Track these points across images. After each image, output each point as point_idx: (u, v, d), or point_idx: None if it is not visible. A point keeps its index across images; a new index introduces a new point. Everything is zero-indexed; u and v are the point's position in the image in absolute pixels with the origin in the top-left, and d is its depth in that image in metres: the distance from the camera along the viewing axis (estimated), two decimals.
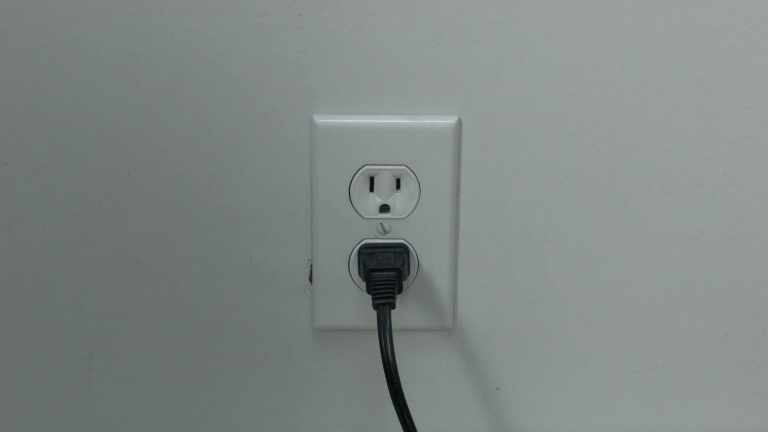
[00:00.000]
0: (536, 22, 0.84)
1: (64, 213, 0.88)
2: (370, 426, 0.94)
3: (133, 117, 0.86)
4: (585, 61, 0.85)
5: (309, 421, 0.94)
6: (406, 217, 0.88)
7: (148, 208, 0.88)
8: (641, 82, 0.86)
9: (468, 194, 0.88)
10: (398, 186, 0.88)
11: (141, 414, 0.93)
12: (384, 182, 0.87)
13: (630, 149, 0.87)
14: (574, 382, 0.93)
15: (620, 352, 0.92)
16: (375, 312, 0.85)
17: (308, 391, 0.93)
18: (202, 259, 0.89)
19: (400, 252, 0.88)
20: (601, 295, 0.91)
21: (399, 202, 0.88)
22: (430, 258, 0.89)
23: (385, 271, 0.87)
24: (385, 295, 0.86)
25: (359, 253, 0.88)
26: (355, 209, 0.88)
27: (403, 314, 0.90)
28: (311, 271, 0.90)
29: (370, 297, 0.86)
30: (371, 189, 0.88)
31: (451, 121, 0.86)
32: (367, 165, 0.87)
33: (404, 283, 0.89)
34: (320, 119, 0.86)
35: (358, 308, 0.90)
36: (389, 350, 0.84)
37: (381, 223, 0.88)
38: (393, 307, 0.86)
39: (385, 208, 0.88)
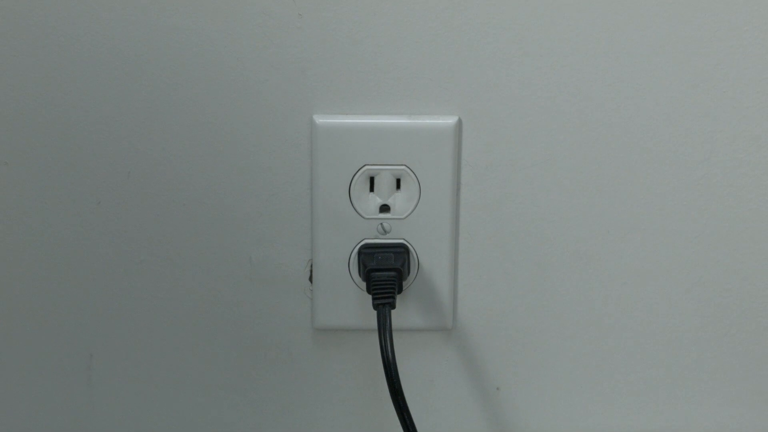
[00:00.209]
0: (536, 22, 0.84)
1: (64, 213, 0.88)
2: (370, 426, 0.94)
3: (133, 117, 0.86)
4: (585, 61, 0.85)
5: (309, 421, 0.94)
6: (406, 217, 0.88)
7: (148, 208, 0.88)
8: (641, 82, 0.86)
9: (468, 194, 0.88)
10: (398, 186, 0.88)
11: (141, 414, 0.93)
12: (384, 182, 0.87)
13: (630, 149, 0.87)
14: (574, 382, 0.93)
15: (620, 352, 0.92)
16: (375, 312, 0.85)
17: (308, 391, 0.93)
18: (202, 259, 0.89)
19: (400, 252, 0.88)
20: (601, 295, 0.91)
21: (399, 202, 0.88)
22: (430, 258, 0.89)
23: (385, 271, 0.87)
24: (385, 295, 0.86)
25: (359, 253, 0.88)
26: (355, 209, 0.88)
27: (403, 314, 0.90)
28: (311, 271, 0.90)
29: (370, 297, 0.86)
30: (371, 189, 0.88)
31: (451, 121, 0.86)
32: (367, 165, 0.87)
33: (404, 283, 0.89)
34: (320, 119, 0.86)
35: (358, 308, 0.90)
36: (389, 350, 0.84)
37: (381, 223, 0.88)
38: (393, 307, 0.86)
39: (385, 208, 0.88)
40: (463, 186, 0.88)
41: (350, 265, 0.89)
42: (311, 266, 0.90)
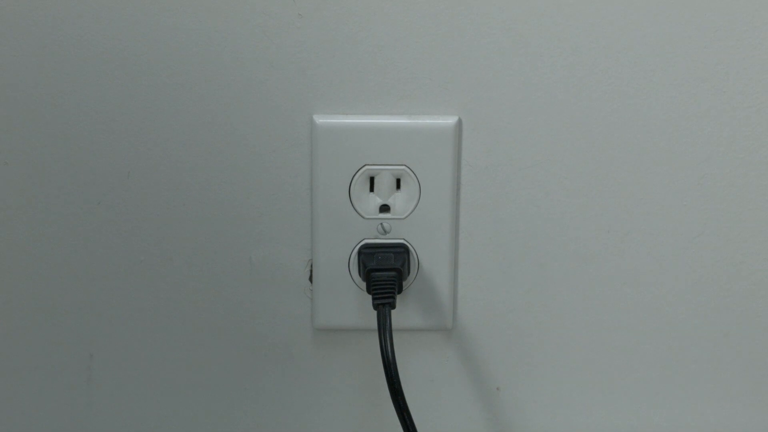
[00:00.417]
0: (536, 21, 0.84)
1: (64, 213, 0.88)
2: (370, 426, 0.94)
3: (133, 117, 0.86)
4: (585, 61, 0.85)
5: (309, 421, 0.94)
6: (406, 217, 0.88)
7: (148, 208, 0.88)
8: (641, 82, 0.86)
9: (468, 194, 0.88)
10: (398, 186, 0.88)
11: (141, 414, 0.93)
12: (384, 182, 0.87)
13: (630, 149, 0.87)
14: (574, 382, 0.93)
15: (620, 352, 0.92)
16: (375, 312, 0.85)
17: (308, 391, 0.93)
18: (202, 259, 0.89)
19: (400, 252, 0.88)
20: (601, 295, 0.91)
21: (399, 202, 0.88)
22: (430, 258, 0.89)
23: (385, 271, 0.87)
24: (385, 295, 0.86)
25: (359, 253, 0.88)
26: (355, 209, 0.88)
27: (403, 314, 0.90)
28: (311, 271, 0.90)
29: (370, 297, 0.86)
30: (371, 189, 0.88)
31: (451, 121, 0.86)
32: (367, 165, 0.87)
33: (404, 283, 0.89)
34: (320, 119, 0.86)
35: (358, 308, 0.90)
36: (389, 350, 0.84)
37: (381, 223, 0.88)
38: (393, 307, 0.86)
39: (385, 208, 0.88)
40: (463, 186, 0.88)
41: (350, 265, 0.89)
42: (311, 266, 0.90)
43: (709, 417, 0.94)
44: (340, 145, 0.86)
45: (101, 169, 0.87)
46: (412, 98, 0.86)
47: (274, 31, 0.84)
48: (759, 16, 0.84)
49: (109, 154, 0.87)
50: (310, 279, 0.90)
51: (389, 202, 0.88)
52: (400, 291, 0.87)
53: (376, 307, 0.86)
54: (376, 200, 0.88)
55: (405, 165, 0.87)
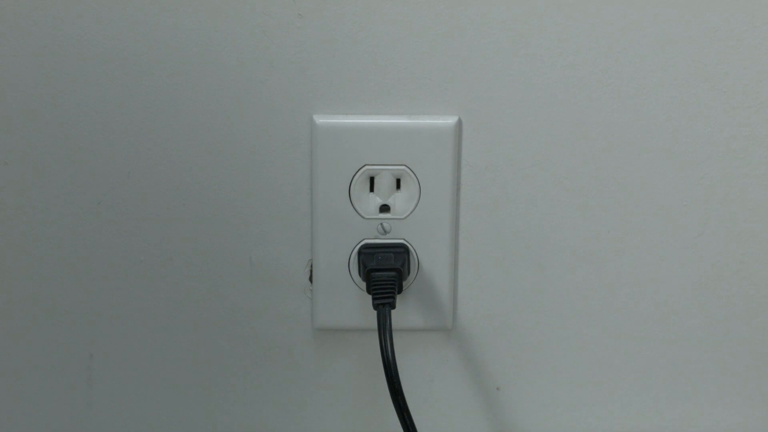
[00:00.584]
0: (536, 21, 0.84)
1: (64, 213, 0.88)
2: (370, 426, 0.94)
3: (133, 117, 0.86)
4: (585, 61, 0.85)
5: (309, 421, 0.94)
6: (406, 217, 0.88)
7: (148, 208, 0.88)
8: (641, 82, 0.86)
9: (468, 194, 0.88)
10: (398, 186, 0.88)
11: (141, 414, 0.93)
12: (384, 182, 0.87)
13: (630, 149, 0.87)
14: (574, 382, 0.93)
15: (620, 352, 0.92)
16: (375, 312, 0.85)
17: (308, 391, 0.93)
18: (202, 259, 0.89)
19: (400, 252, 0.88)
20: (601, 295, 0.91)
21: (399, 202, 0.88)
22: (430, 258, 0.89)
23: (385, 271, 0.87)
24: (385, 295, 0.86)
25: (359, 253, 0.88)
26: (355, 209, 0.88)
27: (403, 314, 0.90)
28: (311, 271, 0.90)
29: (370, 297, 0.86)
30: (371, 189, 0.88)
31: (451, 121, 0.86)
32: (367, 165, 0.87)
33: (404, 283, 0.89)
34: (320, 119, 0.86)
35: (358, 308, 0.90)
36: (389, 350, 0.84)
37: (381, 223, 0.88)
38: (393, 307, 0.86)
39: (385, 208, 0.88)
40: (463, 186, 0.88)
41: (350, 265, 0.89)
42: (311, 266, 0.90)
43: (709, 417, 0.94)
44: (340, 145, 0.86)
45: (101, 169, 0.87)
46: (412, 98, 0.86)
47: (274, 31, 0.84)
48: (759, 16, 0.84)
49: (109, 154, 0.87)
50: (310, 279, 0.90)
51: (389, 202, 0.88)
52: (400, 291, 0.87)
53: (376, 307, 0.86)
54: (376, 200, 0.88)
55: (405, 165, 0.87)
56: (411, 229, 0.88)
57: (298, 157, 0.87)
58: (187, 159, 0.87)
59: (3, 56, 0.85)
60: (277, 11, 0.84)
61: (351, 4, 0.84)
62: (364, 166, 0.87)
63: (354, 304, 0.90)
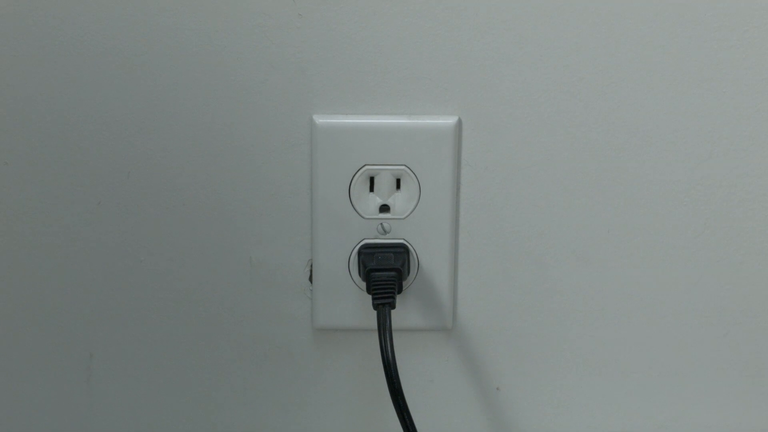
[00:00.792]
0: (536, 22, 0.84)
1: (64, 213, 0.88)
2: (370, 426, 0.94)
3: (133, 117, 0.86)
4: (585, 61, 0.85)
5: (309, 421, 0.94)
6: (406, 217, 0.88)
7: (148, 208, 0.88)
8: (641, 81, 0.86)
9: (468, 194, 0.88)
10: (398, 186, 0.88)
11: (141, 414, 0.93)
12: (384, 182, 0.87)
13: (630, 149, 0.87)
14: (574, 382, 0.93)
15: (620, 352, 0.92)
16: (375, 312, 0.85)
17: (308, 391, 0.93)
18: (202, 259, 0.89)
19: (400, 252, 0.88)
20: (601, 295, 0.91)
21: (399, 202, 0.88)
22: (430, 258, 0.89)
23: (385, 271, 0.87)
24: (385, 295, 0.86)
25: (359, 253, 0.88)
26: (355, 209, 0.88)
27: (403, 314, 0.90)
28: (311, 271, 0.90)
29: (370, 297, 0.86)
30: (371, 189, 0.88)
31: (451, 121, 0.86)
32: (367, 165, 0.87)
33: (404, 283, 0.89)
34: (320, 119, 0.86)
35: (358, 308, 0.90)
36: (389, 350, 0.84)
37: (381, 223, 0.88)
38: (393, 307, 0.86)
39: (385, 208, 0.88)
40: (463, 186, 0.88)
41: (350, 265, 0.89)
42: (311, 266, 0.90)
43: (709, 417, 0.94)
44: (339, 145, 0.86)
45: (101, 169, 0.87)
46: (412, 98, 0.86)
47: (274, 31, 0.84)
48: (759, 16, 0.84)
49: (109, 154, 0.87)
50: (310, 279, 0.90)
51: (389, 202, 0.88)
52: (400, 291, 0.87)
53: (376, 307, 0.86)
54: (376, 200, 0.88)
55: (405, 165, 0.87)
56: (411, 229, 0.88)
57: (298, 157, 0.87)
58: (187, 159, 0.87)
59: (3, 56, 0.85)
60: (277, 11, 0.84)
61: (351, 4, 0.84)
62: (364, 166, 0.87)
63: (354, 304, 0.90)
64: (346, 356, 0.92)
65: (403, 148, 0.86)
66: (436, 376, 0.93)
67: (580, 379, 0.93)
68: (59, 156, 0.87)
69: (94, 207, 0.88)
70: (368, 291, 0.87)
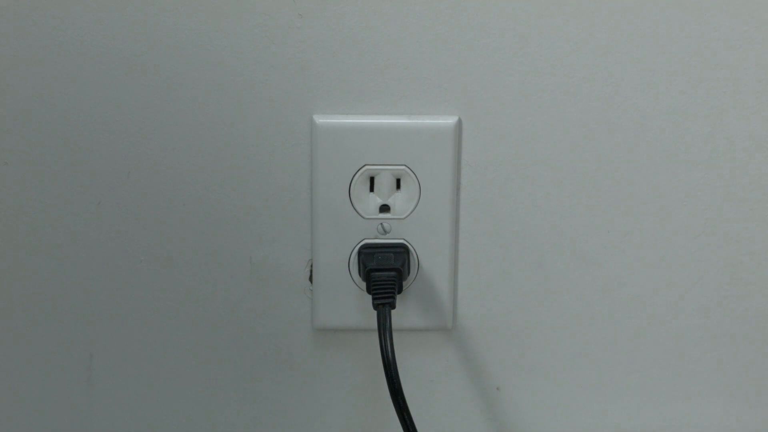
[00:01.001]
0: (536, 22, 0.84)
1: (64, 213, 0.88)
2: (370, 426, 0.94)
3: (133, 117, 0.86)
4: (585, 61, 0.85)
5: (309, 421, 0.94)
6: (406, 217, 0.88)
7: (148, 208, 0.88)
8: (641, 82, 0.86)
9: (468, 194, 0.88)
10: (398, 186, 0.88)
11: (141, 414, 0.93)
12: (384, 182, 0.87)
13: (630, 149, 0.87)
14: (574, 382, 0.93)
15: (620, 352, 0.92)
16: (375, 312, 0.85)
17: (308, 391, 0.93)
18: (202, 259, 0.89)
19: (400, 252, 0.88)
20: (601, 295, 0.91)
21: (399, 202, 0.88)
22: (430, 258, 0.89)
23: (385, 271, 0.87)
24: (385, 295, 0.86)
25: (359, 253, 0.88)
26: (355, 209, 0.88)
27: (403, 314, 0.90)
28: (311, 271, 0.90)
29: (370, 297, 0.86)
30: (371, 189, 0.88)
31: (451, 121, 0.86)
32: (367, 165, 0.87)
33: (404, 283, 0.89)
34: (320, 119, 0.86)
35: (358, 308, 0.90)
36: (389, 350, 0.84)
37: (381, 223, 0.88)
38: (393, 307, 0.86)
39: (385, 208, 0.88)
40: (463, 186, 0.88)
41: (350, 265, 0.89)
42: (311, 266, 0.90)
43: (709, 417, 0.94)
44: (340, 145, 0.86)
45: (101, 169, 0.87)
46: (412, 98, 0.86)
47: (274, 31, 0.84)
48: (759, 16, 0.84)
49: (109, 154, 0.87)
50: (310, 279, 0.90)
51: (389, 202, 0.88)
52: (400, 291, 0.87)
53: (376, 307, 0.86)
54: (376, 200, 0.88)
55: (405, 165, 0.87)
56: (411, 229, 0.88)
57: (298, 157, 0.87)
58: (187, 159, 0.87)
59: (3, 56, 0.85)
60: (277, 11, 0.84)
61: (351, 4, 0.84)
62: (364, 166, 0.87)
63: (354, 304, 0.90)
64: (346, 356, 0.92)
65: (403, 148, 0.86)
66: (436, 376, 0.93)
67: (580, 379, 0.93)
68: (59, 156, 0.87)
69: (94, 207, 0.88)
70: (368, 291, 0.87)
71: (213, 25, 0.84)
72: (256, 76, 0.85)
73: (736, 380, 0.93)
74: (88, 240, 0.89)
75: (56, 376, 0.92)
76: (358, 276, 0.89)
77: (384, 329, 0.84)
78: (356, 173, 0.87)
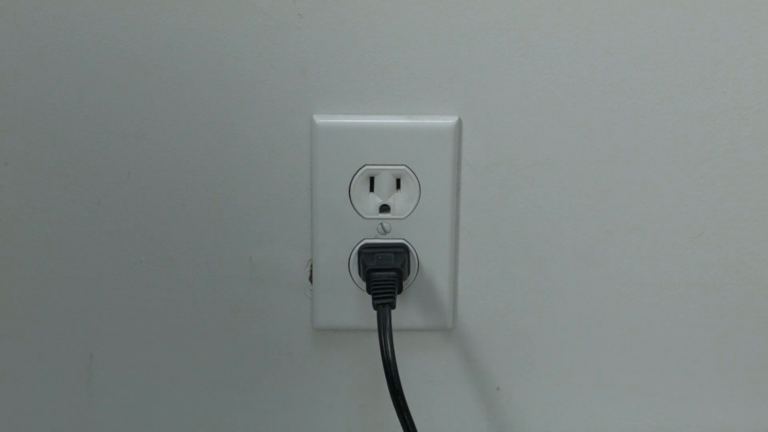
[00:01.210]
0: (536, 22, 0.84)
1: (64, 213, 0.88)
2: (370, 426, 0.94)
3: (133, 117, 0.86)
4: (585, 61, 0.85)
5: (309, 421, 0.94)
6: (406, 217, 0.88)
7: (148, 208, 0.88)
8: (641, 82, 0.86)
9: (468, 194, 0.88)
10: (398, 186, 0.88)
11: (141, 414, 0.93)
12: (384, 182, 0.87)
13: (630, 149, 0.87)
14: (574, 382, 0.93)
15: (620, 352, 0.92)
16: (375, 312, 0.85)
17: (308, 391, 0.93)
18: (202, 259, 0.89)
19: (400, 252, 0.88)
20: (601, 295, 0.91)
21: (399, 202, 0.88)
22: (430, 258, 0.89)
23: (385, 271, 0.87)
24: (385, 295, 0.86)
25: (359, 253, 0.88)
26: (355, 209, 0.88)
27: (403, 314, 0.90)
28: (311, 271, 0.90)
29: (370, 297, 0.86)
30: (371, 189, 0.88)
31: (451, 121, 0.86)
32: (367, 165, 0.87)
33: (404, 283, 0.89)
34: (320, 119, 0.86)
35: (358, 308, 0.90)
36: (389, 350, 0.84)
37: (381, 223, 0.88)
38: (393, 307, 0.86)
39: (385, 208, 0.88)
40: (463, 186, 0.88)
41: (350, 265, 0.89)
42: (311, 266, 0.90)
43: (709, 417, 0.94)
44: (340, 145, 0.86)
45: (101, 169, 0.87)
46: (412, 98, 0.86)
47: (274, 31, 0.84)
48: (759, 16, 0.84)
49: (109, 154, 0.87)
50: (310, 279, 0.90)
51: (389, 202, 0.88)
52: (400, 291, 0.87)
53: (376, 307, 0.86)
54: (376, 200, 0.88)
55: (405, 165, 0.87)
56: (411, 229, 0.88)
57: (298, 157, 0.87)
58: (187, 159, 0.87)
59: (3, 56, 0.85)
60: (277, 11, 0.84)
61: (351, 4, 0.84)
62: (364, 166, 0.87)
63: (354, 304, 0.90)
64: (346, 356, 0.92)
65: (403, 148, 0.86)
66: (436, 376, 0.93)
67: (580, 378, 0.93)
68: (59, 156, 0.87)
69: (94, 207, 0.88)
70: (368, 291, 0.87)
71: (213, 25, 0.84)
72: (256, 76, 0.85)
73: (736, 380, 0.93)
74: (88, 240, 0.89)
75: (56, 376, 0.92)
76: (358, 276, 0.89)
77: (384, 329, 0.84)
78: (356, 173, 0.87)
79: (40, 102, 0.86)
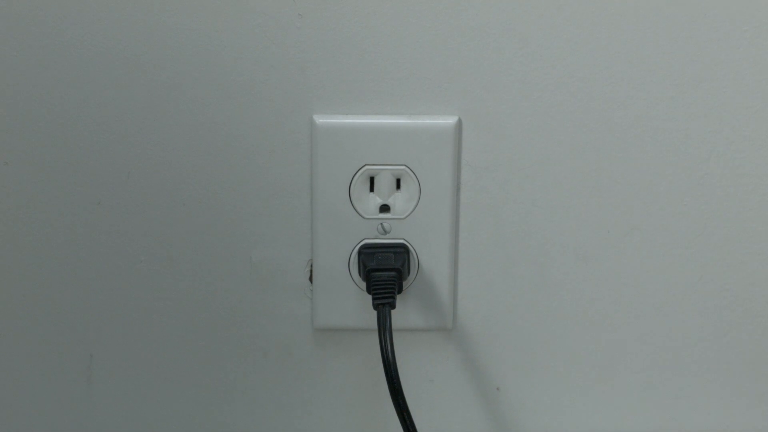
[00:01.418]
0: (536, 22, 0.84)
1: (64, 213, 0.88)
2: (370, 426, 0.94)
3: (133, 117, 0.86)
4: (585, 61, 0.85)
5: (309, 421, 0.94)
6: (406, 217, 0.88)
7: (148, 208, 0.88)
8: (641, 81, 0.86)
9: (468, 194, 0.88)
10: (398, 186, 0.88)
11: (141, 414, 0.93)
12: (384, 182, 0.87)
13: (630, 149, 0.87)
14: (574, 382, 0.93)
15: (620, 352, 0.92)
16: (375, 312, 0.85)
17: (308, 391, 0.93)
18: (202, 259, 0.89)
19: (400, 252, 0.88)
20: (601, 295, 0.91)
21: (399, 202, 0.88)
22: (430, 258, 0.89)
23: (385, 271, 0.87)
24: (385, 295, 0.86)
25: (359, 253, 0.88)
26: (355, 209, 0.88)
27: (403, 314, 0.90)
28: (311, 271, 0.90)
29: (370, 297, 0.86)
30: (371, 189, 0.88)
31: (451, 121, 0.86)
32: (367, 165, 0.87)
33: (404, 283, 0.89)
34: (320, 119, 0.86)
35: (358, 308, 0.90)
36: (389, 350, 0.84)
37: (381, 223, 0.88)
38: (393, 307, 0.86)
39: (385, 208, 0.88)
40: (463, 186, 0.88)
41: (350, 265, 0.89)
42: (311, 266, 0.90)
43: (709, 417, 0.94)
44: (339, 145, 0.86)
45: (101, 169, 0.87)
46: (412, 98, 0.86)
47: (274, 31, 0.84)
48: (759, 16, 0.84)
49: (109, 154, 0.87)
50: (310, 279, 0.90)
51: (389, 202, 0.88)
52: (400, 291, 0.87)
53: (376, 307, 0.86)
54: (376, 200, 0.88)
55: (405, 165, 0.87)
56: (411, 229, 0.88)
57: (298, 157, 0.87)
58: (186, 159, 0.87)
59: (3, 56, 0.85)
60: (277, 11, 0.84)
61: (351, 4, 0.84)
62: (364, 166, 0.87)
63: (354, 304, 0.90)
64: (346, 356, 0.92)
65: (403, 148, 0.86)
66: (436, 376, 0.93)
67: (580, 378, 0.93)
68: (59, 156, 0.87)
69: (94, 207, 0.88)
70: (368, 291, 0.87)
71: (213, 25, 0.84)
72: (256, 76, 0.85)
73: (736, 380, 0.93)
74: (88, 240, 0.89)
75: (56, 376, 0.92)
76: (358, 276, 0.89)
77: (384, 329, 0.84)
78: (356, 173, 0.87)
79: (40, 102, 0.86)
